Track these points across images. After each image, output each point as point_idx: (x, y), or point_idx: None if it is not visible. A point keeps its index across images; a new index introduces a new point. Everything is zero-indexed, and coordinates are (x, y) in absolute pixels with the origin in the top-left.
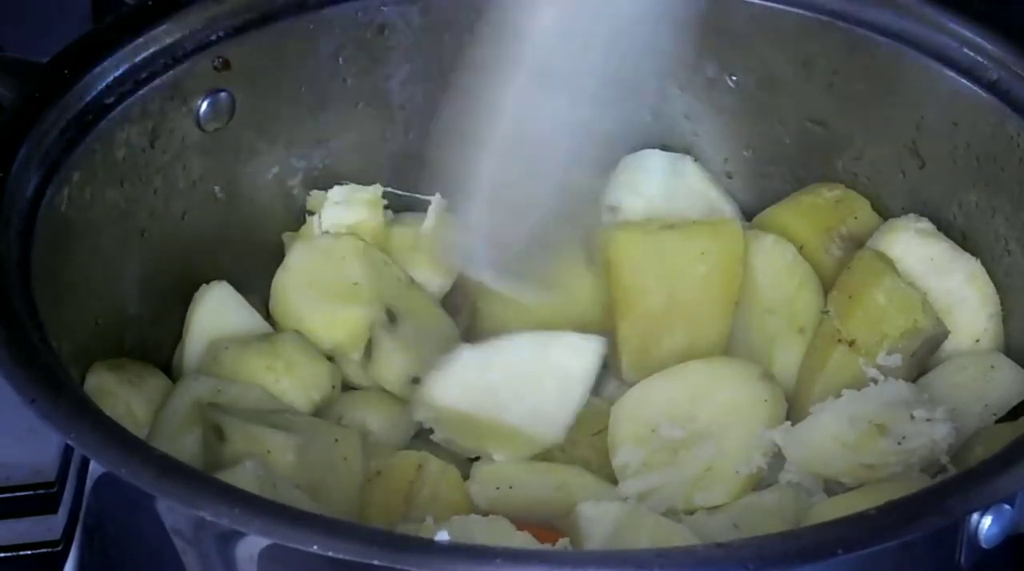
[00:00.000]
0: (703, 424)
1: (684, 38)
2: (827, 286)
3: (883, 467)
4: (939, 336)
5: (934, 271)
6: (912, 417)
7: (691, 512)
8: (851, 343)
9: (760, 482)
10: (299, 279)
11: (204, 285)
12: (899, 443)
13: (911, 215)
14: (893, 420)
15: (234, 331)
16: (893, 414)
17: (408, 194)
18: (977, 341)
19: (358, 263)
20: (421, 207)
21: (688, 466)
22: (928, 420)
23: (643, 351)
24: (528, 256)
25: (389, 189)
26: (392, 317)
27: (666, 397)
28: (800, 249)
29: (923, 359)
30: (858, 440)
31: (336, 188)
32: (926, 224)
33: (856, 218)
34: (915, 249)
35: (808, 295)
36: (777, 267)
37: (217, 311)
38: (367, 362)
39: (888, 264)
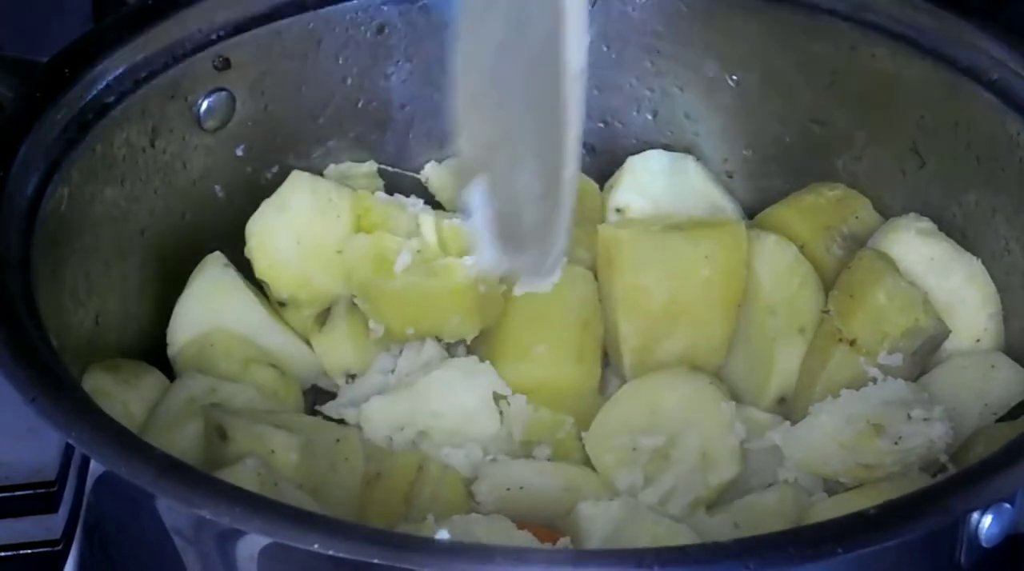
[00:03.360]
0: (672, 424)
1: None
2: (828, 285)
3: (880, 467)
4: (940, 335)
5: (934, 271)
6: (909, 417)
7: (716, 495)
8: (852, 342)
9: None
10: (291, 225)
11: (198, 265)
12: (896, 443)
13: (912, 215)
14: (890, 420)
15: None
16: (890, 414)
17: (401, 171)
18: (978, 341)
19: (349, 228)
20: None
21: (685, 460)
22: (925, 420)
23: (645, 351)
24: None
25: (383, 166)
26: (353, 307)
27: (624, 420)
28: (801, 248)
29: (924, 358)
30: (855, 440)
31: (332, 166)
32: (927, 224)
33: (857, 217)
34: (916, 249)
35: (809, 294)
36: (779, 267)
37: (210, 295)
38: (317, 331)
39: (889, 263)
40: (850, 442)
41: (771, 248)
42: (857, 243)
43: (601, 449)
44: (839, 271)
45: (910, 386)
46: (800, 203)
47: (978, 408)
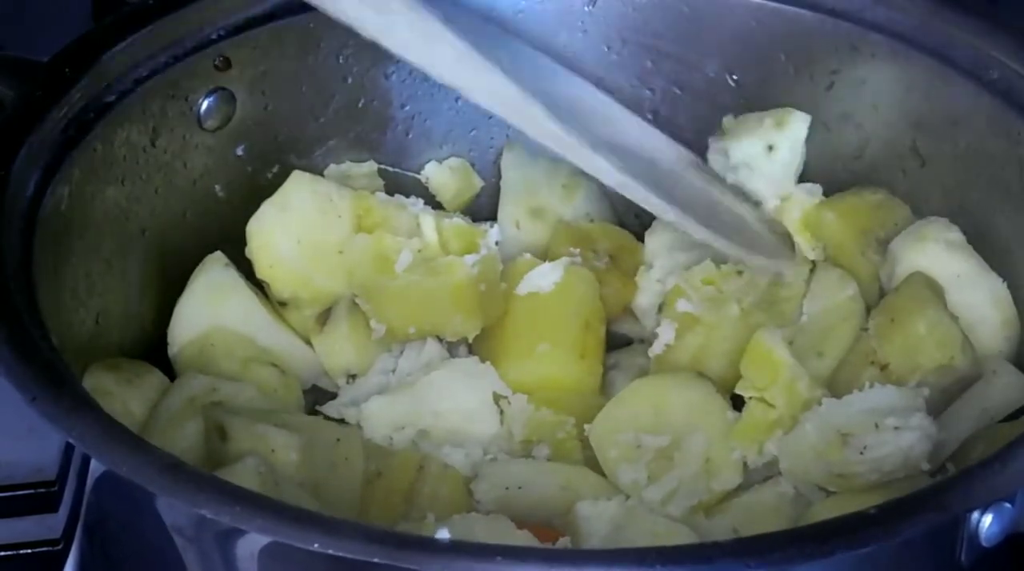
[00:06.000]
0: (677, 428)
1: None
2: (863, 290)
3: (852, 476)
4: (972, 377)
5: (959, 286)
6: (876, 426)
7: (717, 502)
8: (884, 367)
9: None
10: (292, 225)
11: (199, 266)
12: (861, 453)
13: (943, 222)
14: (859, 429)
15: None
16: (861, 423)
17: (400, 171)
18: None
19: (350, 229)
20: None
21: (688, 463)
22: (896, 428)
23: (668, 345)
24: None
25: (383, 166)
26: (354, 307)
27: (630, 417)
28: (837, 248)
29: (952, 396)
30: (826, 449)
31: (332, 166)
32: (956, 234)
33: (896, 225)
34: (943, 262)
35: (846, 329)
36: (832, 301)
37: (211, 295)
38: (318, 331)
39: (936, 293)
40: (823, 452)
41: (832, 281)
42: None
43: (606, 443)
44: (872, 275)
45: (901, 392)
46: (840, 204)
47: (977, 412)
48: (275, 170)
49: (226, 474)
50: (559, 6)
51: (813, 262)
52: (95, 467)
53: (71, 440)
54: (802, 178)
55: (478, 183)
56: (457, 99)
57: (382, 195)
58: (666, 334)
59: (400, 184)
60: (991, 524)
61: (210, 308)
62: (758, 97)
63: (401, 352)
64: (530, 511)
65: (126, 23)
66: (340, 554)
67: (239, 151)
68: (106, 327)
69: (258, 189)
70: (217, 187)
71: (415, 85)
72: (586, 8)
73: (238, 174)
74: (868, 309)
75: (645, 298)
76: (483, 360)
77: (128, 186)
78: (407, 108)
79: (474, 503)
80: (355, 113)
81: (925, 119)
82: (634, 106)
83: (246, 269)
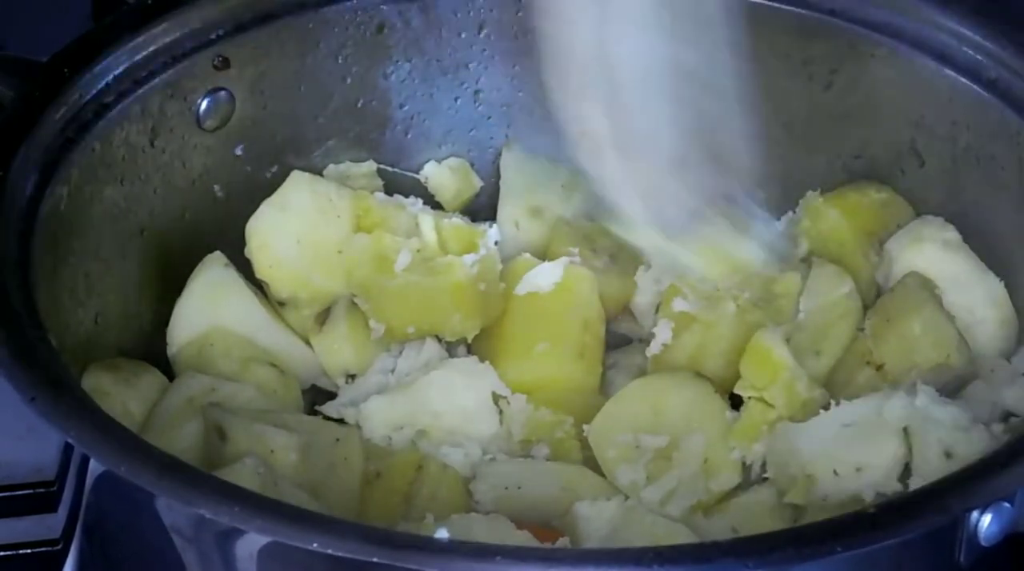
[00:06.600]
0: (676, 428)
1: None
2: (861, 290)
3: (831, 495)
4: (968, 376)
5: (956, 287)
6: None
7: (716, 501)
8: (879, 367)
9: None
10: (291, 224)
11: (199, 266)
12: (835, 474)
13: (939, 222)
14: (837, 447)
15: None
16: (840, 440)
17: (399, 171)
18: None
19: (349, 228)
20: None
21: (687, 463)
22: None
23: (665, 345)
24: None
25: (382, 166)
26: (353, 306)
27: (628, 417)
28: (839, 245)
29: (950, 395)
30: (800, 467)
31: (331, 166)
32: (953, 234)
33: (899, 226)
34: (939, 263)
35: (843, 326)
36: (828, 298)
37: (210, 295)
38: (317, 331)
39: (931, 293)
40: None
41: (828, 277)
42: None
43: (604, 444)
44: (870, 275)
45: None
46: (844, 201)
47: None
48: (274, 170)
49: (225, 474)
50: None
51: (808, 259)
52: (94, 467)
53: (70, 440)
54: (802, 178)
55: (477, 183)
56: (456, 99)
57: (381, 195)
58: (663, 334)
59: (399, 184)
60: (990, 524)
61: (209, 308)
62: (757, 97)
63: (400, 352)
64: (529, 511)
65: (126, 23)
66: (339, 554)
67: (238, 151)
68: (105, 327)
69: (257, 189)
70: (216, 187)
71: (414, 85)
72: None
73: (237, 174)
74: (865, 308)
75: (644, 297)
76: (482, 360)
77: (127, 186)
78: (406, 108)
79: (473, 503)
80: (354, 113)
81: (925, 119)
82: None
83: (245, 269)
